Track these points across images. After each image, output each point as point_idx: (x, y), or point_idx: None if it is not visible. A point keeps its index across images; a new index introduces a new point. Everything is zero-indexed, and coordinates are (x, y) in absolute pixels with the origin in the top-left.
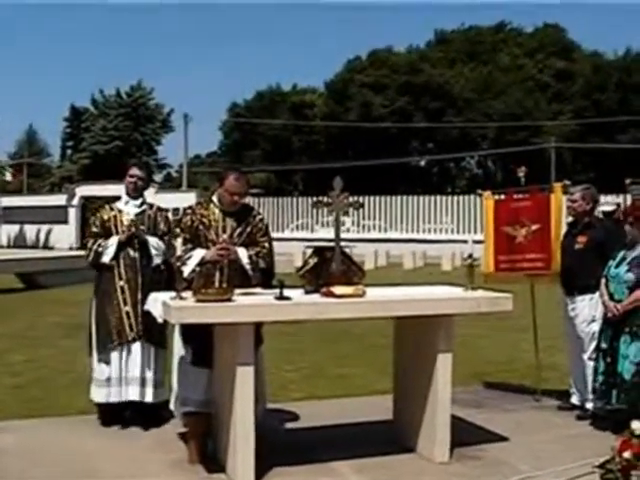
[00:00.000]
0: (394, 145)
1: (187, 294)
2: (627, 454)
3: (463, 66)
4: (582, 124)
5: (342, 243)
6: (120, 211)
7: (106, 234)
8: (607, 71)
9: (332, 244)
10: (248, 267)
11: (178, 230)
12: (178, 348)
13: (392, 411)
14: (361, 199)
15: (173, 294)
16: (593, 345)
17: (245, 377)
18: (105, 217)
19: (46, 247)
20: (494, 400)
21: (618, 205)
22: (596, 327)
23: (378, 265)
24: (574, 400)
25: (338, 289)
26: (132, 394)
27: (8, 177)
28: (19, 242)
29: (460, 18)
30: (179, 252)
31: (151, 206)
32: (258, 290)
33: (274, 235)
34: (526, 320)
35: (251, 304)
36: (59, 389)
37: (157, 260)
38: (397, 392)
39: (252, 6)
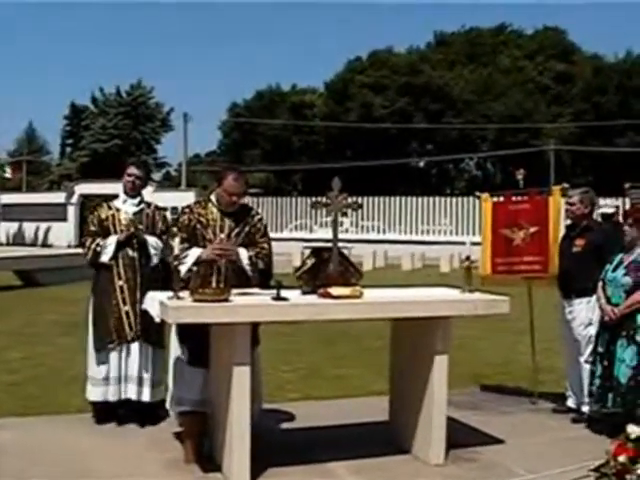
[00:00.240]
0: (393, 146)
1: (184, 294)
2: (622, 458)
3: (463, 68)
4: (582, 127)
5: (340, 244)
6: (118, 210)
7: (104, 233)
8: (607, 74)
9: (330, 245)
10: (248, 268)
11: (175, 229)
12: (174, 348)
13: (388, 412)
14: (360, 200)
15: (170, 294)
16: (590, 348)
17: (241, 377)
18: (103, 216)
19: (45, 245)
20: (490, 402)
21: (617, 207)
22: (593, 330)
23: (376, 266)
24: (570, 403)
25: (335, 290)
26: (130, 392)
27: (7, 174)
28: (18, 240)
29: (460, 20)
30: (176, 251)
31: (149, 205)
32: (255, 290)
33: (273, 235)
34: (523, 323)
35: (248, 304)
36: (56, 387)
37: (155, 260)
38: (393, 393)
39: (252, 5)
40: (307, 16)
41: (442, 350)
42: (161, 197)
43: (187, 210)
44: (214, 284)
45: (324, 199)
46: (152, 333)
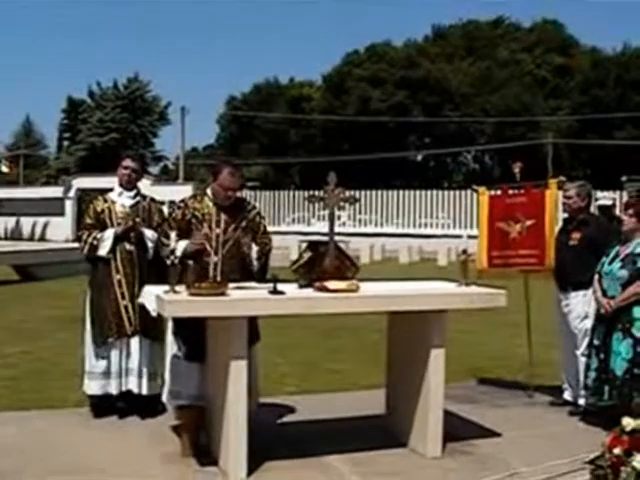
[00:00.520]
0: (391, 139)
1: (181, 288)
2: (617, 450)
3: (461, 61)
4: (580, 120)
5: (337, 238)
6: (114, 202)
7: (100, 226)
8: (605, 67)
9: (327, 238)
10: (255, 263)
11: (168, 224)
12: (172, 342)
13: (385, 406)
14: (357, 193)
15: (167, 287)
16: (586, 341)
17: (238, 371)
18: (99, 209)
19: (42, 239)
20: (487, 395)
21: (614, 200)
22: (589, 323)
23: (374, 259)
24: (566, 396)
25: (332, 284)
26: (131, 384)
27: (4, 169)
28: (15, 234)
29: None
30: (172, 245)
31: (145, 197)
32: (252, 284)
33: (270, 228)
34: (520, 316)
35: (245, 298)
36: (53, 381)
37: (152, 252)
38: (390, 387)
39: None
40: (305, 9)
41: (439, 343)
42: (159, 191)
43: (181, 204)
44: (210, 277)
45: (320, 193)
46: (151, 327)
